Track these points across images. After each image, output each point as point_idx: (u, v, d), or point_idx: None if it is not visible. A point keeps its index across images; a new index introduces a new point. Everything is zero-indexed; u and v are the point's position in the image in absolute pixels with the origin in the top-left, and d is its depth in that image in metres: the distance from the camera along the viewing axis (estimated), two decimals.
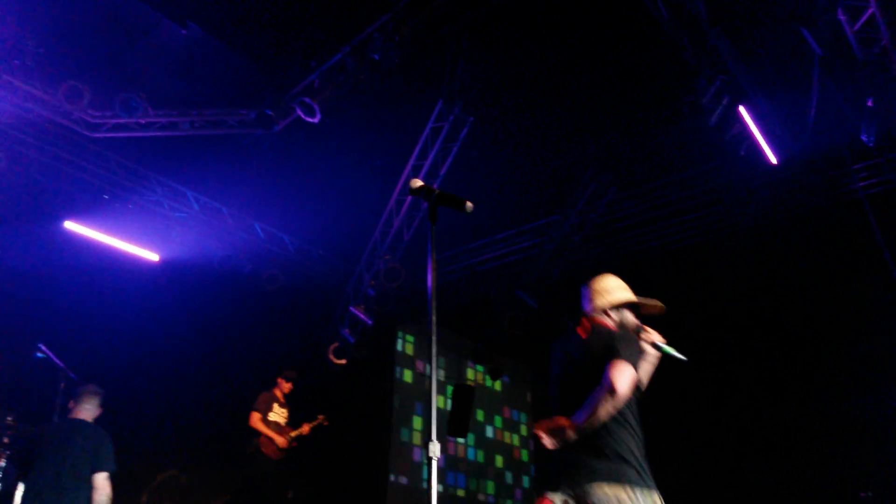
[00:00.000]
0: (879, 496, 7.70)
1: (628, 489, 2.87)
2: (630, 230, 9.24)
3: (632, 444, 3.01)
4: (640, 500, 2.87)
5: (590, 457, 2.95)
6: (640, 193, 8.84)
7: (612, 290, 3.42)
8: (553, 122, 8.07)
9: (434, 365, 2.47)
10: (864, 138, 6.70)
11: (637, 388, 3.11)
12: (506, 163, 8.71)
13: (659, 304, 3.41)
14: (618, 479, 2.89)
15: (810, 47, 6.38)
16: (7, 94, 6.92)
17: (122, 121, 7.31)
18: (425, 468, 10.23)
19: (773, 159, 7.05)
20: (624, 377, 2.89)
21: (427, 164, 8.40)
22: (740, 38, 6.69)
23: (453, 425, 9.76)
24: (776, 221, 8.42)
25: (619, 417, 3.00)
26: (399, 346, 10.75)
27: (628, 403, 3.05)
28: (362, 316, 9.47)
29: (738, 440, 9.28)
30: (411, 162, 8.51)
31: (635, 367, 2.98)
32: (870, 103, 6.49)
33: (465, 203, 2.68)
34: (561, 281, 9.36)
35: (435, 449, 2.27)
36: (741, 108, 6.55)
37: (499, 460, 11.75)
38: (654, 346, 3.29)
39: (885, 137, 6.96)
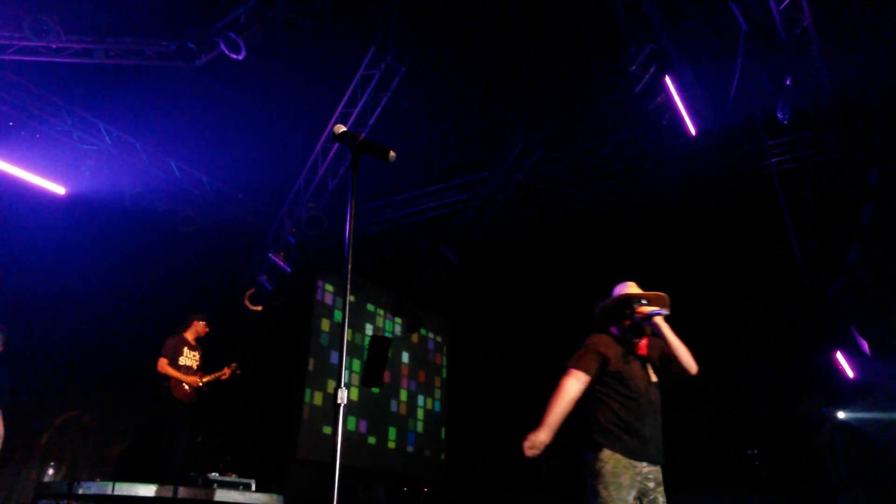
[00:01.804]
0: (763, 453, 8.25)
1: None
2: (554, 192, 9.39)
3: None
4: None
5: None
6: (566, 156, 8.97)
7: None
8: (485, 79, 8.05)
9: (346, 312, 2.47)
10: (780, 116, 6.95)
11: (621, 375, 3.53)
12: (436, 117, 8.65)
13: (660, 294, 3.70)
14: None
15: (737, 22, 6.53)
16: None
17: (30, 44, 6.83)
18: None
19: (693, 130, 7.25)
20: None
21: (356, 112, 8.24)
22: (671, 9, 6.79)
23: (368, 375, 9.82)
24: (693, 190, 8.70)
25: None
26: (319, 296, 10.67)
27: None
28: (281, 263, 9.32)
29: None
30: (339, 108, 8.33)
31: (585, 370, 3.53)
32: (788, 82, 6.73)
33: (388, 152, 2.64)
34: (484, 238, 9.47)
35: (343, 395, 2.28)
36: (667, 78, 6.67)
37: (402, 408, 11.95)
38: (646, 316, 3.56)
39: (799, 116, 7.25)
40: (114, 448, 8.11)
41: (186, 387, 7.04)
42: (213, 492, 5.85)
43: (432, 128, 8.76)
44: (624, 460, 3.35)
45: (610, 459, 3.35)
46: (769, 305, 8.79)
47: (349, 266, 2.51)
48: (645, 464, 3.38)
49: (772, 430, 7.80)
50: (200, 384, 7.17)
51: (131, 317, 8.33)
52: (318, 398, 10.10)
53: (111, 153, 8.28)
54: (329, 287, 10.88)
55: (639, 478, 3.35)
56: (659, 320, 3.54)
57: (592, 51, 7.43)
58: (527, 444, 3.34)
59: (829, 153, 7.84)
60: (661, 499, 3.38)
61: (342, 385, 2.29)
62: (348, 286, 2.45)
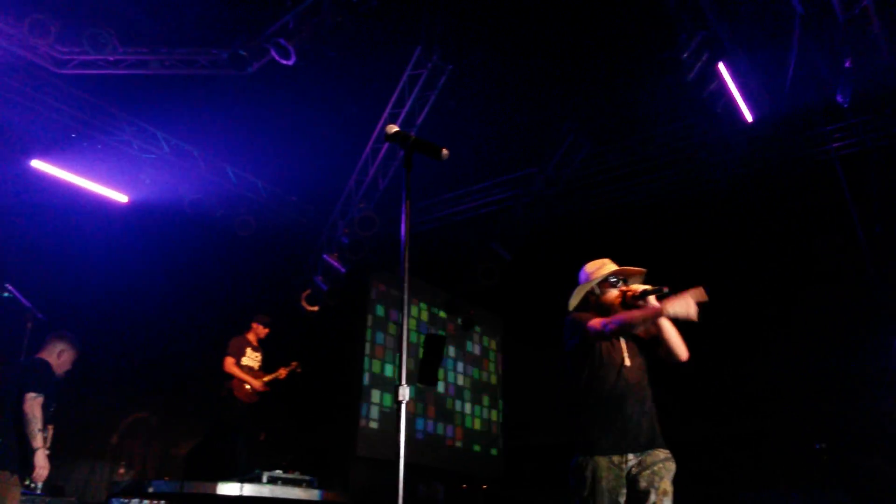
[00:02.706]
0: (831, 447, 8.01)
1: None
2: (605, 185, 9.28)
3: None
4: None
5: None
6: (617, 149, 8.86)
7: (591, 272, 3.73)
8: (532, 74, 7.99)
9: (406, 311, 2.48)
10: (839, 99, 6.74)
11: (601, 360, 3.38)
12: (483, 114, 8.63)
13: (639, 269, 3.65)
14: None
15: (791, 5, 6.35)
16: None
17: (90, 57, 7.09)
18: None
19: (749, 117, 7.08)
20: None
21: (404, 112, 8.29)
22: None
23: (424, 373, 9.88)
24: (750, 179, 8.50)
25: None
26: (374, 295, 10.77)
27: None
28: (336, 264, 9.45)
29: (699, 393, 9.51)
30: (388, 109, 8.40)
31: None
32: (847, 64, 6.51)
33: (440, 150, 2.65)
34: (534, 234, 9.42)
35: (404, 393, 2.30)
36: (720, 65, 6.53)
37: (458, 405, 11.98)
38: (639, 295, 3.38)
39: (859, 99, 7.00)
40: (180, 448, 8.35)
41: (248, 387, 7.22)
42: (277, 489, 5.98)
43: (480, 124, 8.75)
44: (603, 461, 3.16)
45: (588, 464, 3.17)
46: (832, 295, 8.51)
47: (406, 265, 2.53)
48: (631, 455, 3.16)
49: (844, 424, 7.58)
50: (262, 385, 7.35)
51: (193, 320, 8.56)
52: (374, 395, 10.21)
53: (170, 161, 8.54)
54: (382, 286, 10.97)
55: (624, 472, 3.15)
56: (653, 299, 3.26)
57: (641, 40, 7.31)
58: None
59: (893, 136, 7.55)
60: (659, 484, 3.10)
61: (403, 383, 2.31)
62: (407, 286, 2.47)
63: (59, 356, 4.73)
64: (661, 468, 3.15)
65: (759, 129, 7.92)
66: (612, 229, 9.59)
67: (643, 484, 3.10)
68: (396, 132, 2.74)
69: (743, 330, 9.33)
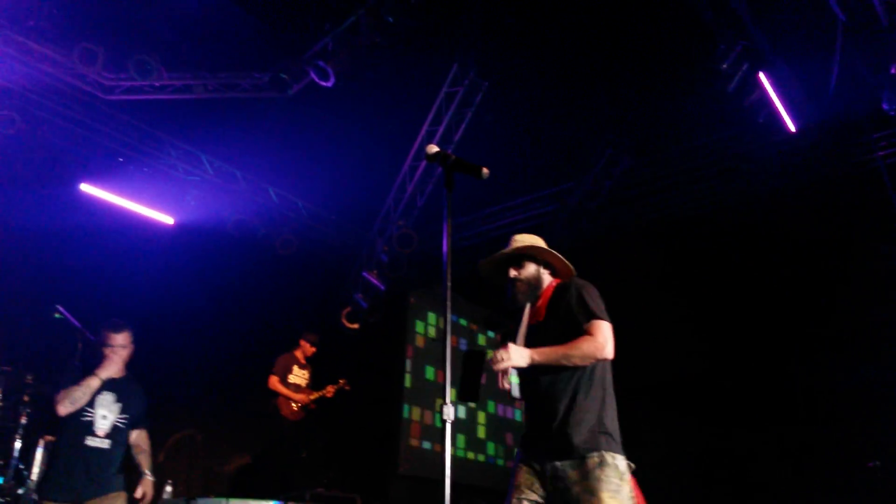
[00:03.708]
0: (886, 466, 7.73)
1: None
2: (645, 198, 9.18)
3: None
4: None
5: None
6: (657, 161, 8.77)
7: None
8: (569, 87, 7.98)
9: (448, 329, 2.48)
10: (885, 107, 6.59)
11: None
12: (521, 128, 8.65)
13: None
14: None
15: (833, 12, 6.25)
16: (22, 56, 6.91)
17: (136, 83, 7.30)
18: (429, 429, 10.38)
19: (792, 127, 6.97)
20: None
21: (441, 129, 8.36)
22: (761, 3, 6.56)
23: (464, 390, 9.84)
24: (794, 189, 8.34)
25: None
26: (412, 312, 10.80)
27: None
28: (375, 281, 9.52)
29: (749, 406, 9.31)
30: (425, 127, 8.47)
31: None
32: (893, 71, 6.37)
33: (481, 170, 2.66)
34: (575, 248, 9.35)
35: (449, 412, 2.30)
36: (761, 75, 6.45)
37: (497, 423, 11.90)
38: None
39: None
40: (225, 465, 8.44)
41: (294, 405, 7.30)
42: None
43: (518, 139, 8.76)
44: (523, 465, 2.98)
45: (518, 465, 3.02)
46: (881, 306, 8.27)
47: (449, 283, 2.54)
48: (552, 463, 2.88)
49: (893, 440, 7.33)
50: (308, 402, 7.42)
51: (237, 338, 8.69)
52: (416, 413, 10.21)
53: (213, 182, 8.72)
54: (422, 303, 11.00)
55: (539, 479, 2.90)
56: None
57: (679, 51, 7.26)
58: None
59: None
60: (582, 496, 2.77)
61: (448, 402, 2.31)
62: (449, 304, 2.48)
63: None
64: (577, 488, 2.87)
65: (803, 139, 7.78)
66: (654, 242, 9.50)
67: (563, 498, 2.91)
68: (437, 152, 2.75)
69: (789, 344, 9.13)
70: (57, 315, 5.94)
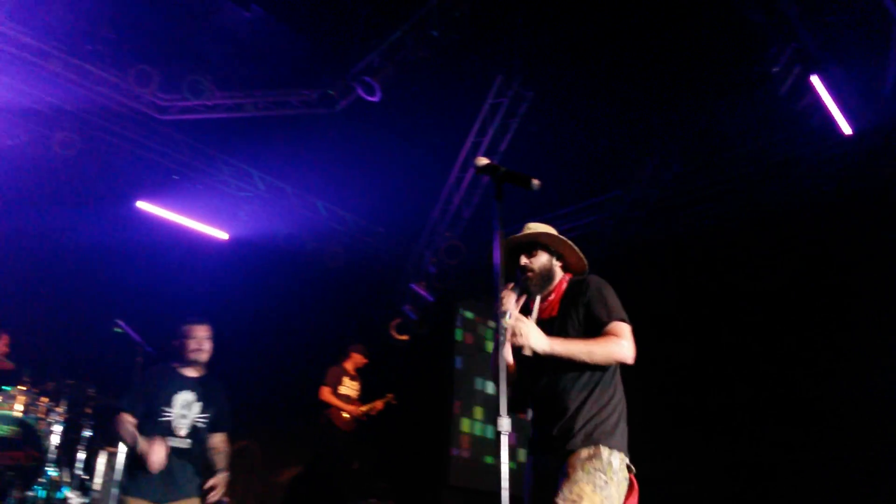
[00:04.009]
0: None
1: None
2: (694, 205, 9.02)
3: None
4: None
5: None
6: (705, 167, 8.63)
7: None
8: (615, 94, 7.92)
9: (499, 340, 2.48)
10: None
11: None
12: (566, 137, 8.62)
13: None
14: None
15: (887, 11, 6.09)
16: (81, 79, 7.18)
17: (189, 103, 7.52)
18: (481, 441, 10.35)
19: (848, 130, 6.79)
20: None
21: (486, 140, 8.38)
22: (812, 4, 6.43)
23: (514, 401, 9.79)
24: (849, 194, 8.10)
25: None
26: (460, 323, 10.81)
27: None
28: (423, 293, 9.58)
29: (799, 416, 9.03)
30: (470, 138, 8.51)
31: None
32: None
33: (531, 180, 2.66)
34: (623, 257, 9.26)
35: (504, 424, 2.30)
36: (814, 77, 6.32)
37: None
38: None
39: None
40: (279, 476, 8.57)
41: (346, 416, 7.37)
42: None
43: (563, 148, 8.73)
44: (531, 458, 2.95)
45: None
46: None
47: (500, 295, 2.56)
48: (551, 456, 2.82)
49: None
50: (359, 413, 7.49)
51: (289, 350, 8.82)
52: (465, 424, 10.20)
53: (264, 198, 8.91)
54: (469, 314, 11.00)
55: (544, 472, 2.85)
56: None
57: (728, 55, 7.16)
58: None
59: None
60: (564, 490, 2.66)
61: (503, 414, 2.31)
62: (500, 314, 2.50)
63: None
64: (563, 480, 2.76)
65: (858, 143, 7.57)
66: (703, 250, 9.33)
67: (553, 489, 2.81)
68: (486, 164, 2.75)
69: (844, 353, 8.84)
70: (117, 329, 6.12)
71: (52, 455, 5.71)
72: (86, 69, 7.16)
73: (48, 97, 7.19)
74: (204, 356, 4.39)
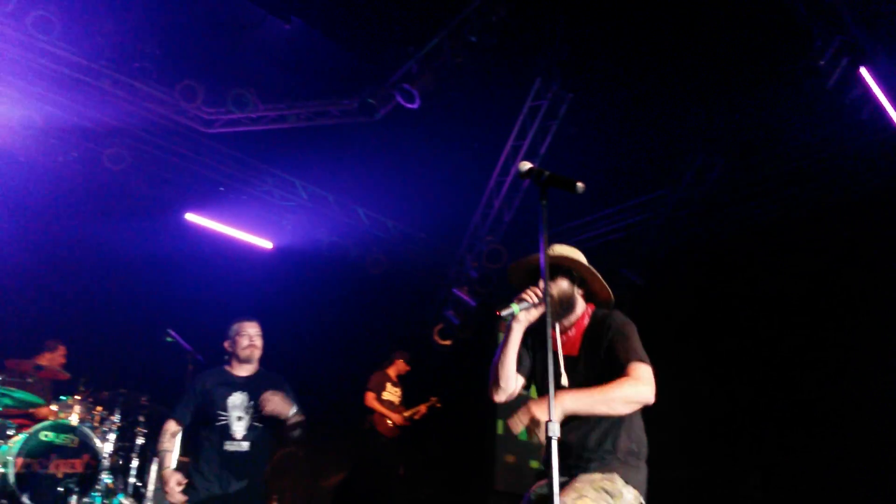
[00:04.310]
0: None
1: None
2: (742, 202, 8.82)
3: None
4: None
5: None
6: (752, 164, 8.44)
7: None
8: (656, 92, 7.80)
9: (550, 344, 2.47)
10: None
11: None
12: (607, 138, 8.53)
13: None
14: None
15: None
16: (129, 96, 7.39)
17: (234, 116, 7.67)
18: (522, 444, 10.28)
19: None
20: None
21: (526, 143, 8.36)
22: None
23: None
24: None
25: None
26: (503, 327, 10.78)
27: None
28: (466, 297, 9.58)
29: (845, 411, 8.76)
30: (510, 142, 8.49)
31: None
32: None
33: (576, 184, 2.64)
34: (668, 257, 9.12)
35: (554, 429, 2.29)
36: (862, 70, 6.15)
37: None
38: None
39: None
40: (325, 481, 8.65)
41: (389, 422, 7.41)
42: None
43: (604, 148, 8.63)
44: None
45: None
46: None
47: (548, 298, 2.55)
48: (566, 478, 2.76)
49: None
50: (402, 419, 7.53)
51: (333, 357, 8.92)
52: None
53: (307, 207, 9.03)
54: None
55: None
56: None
57: (772, 49, 7.00)
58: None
59: None
60: (567, 496, 2.63)
61: (552, 418, 2.30)
62: (549, 319, 2.48)
63: None
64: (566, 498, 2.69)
65: None
66: (752, 248, 9.13)
67: None
68: (530, 169, 2.74)
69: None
70: (168, 339, 6.27)
71: (106, 462, 5.84)
72: (134, 86, 7.36)
73: (98, 114, 7.41)
74: (256, 353, 4.36)
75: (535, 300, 2.79)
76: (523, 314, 2.83)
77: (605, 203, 9.46)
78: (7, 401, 5.96)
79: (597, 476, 2.73)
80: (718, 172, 8.44)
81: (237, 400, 4.15)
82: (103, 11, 7.01)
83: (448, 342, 9.77)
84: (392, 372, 7.71)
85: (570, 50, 7.63)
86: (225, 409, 4.08)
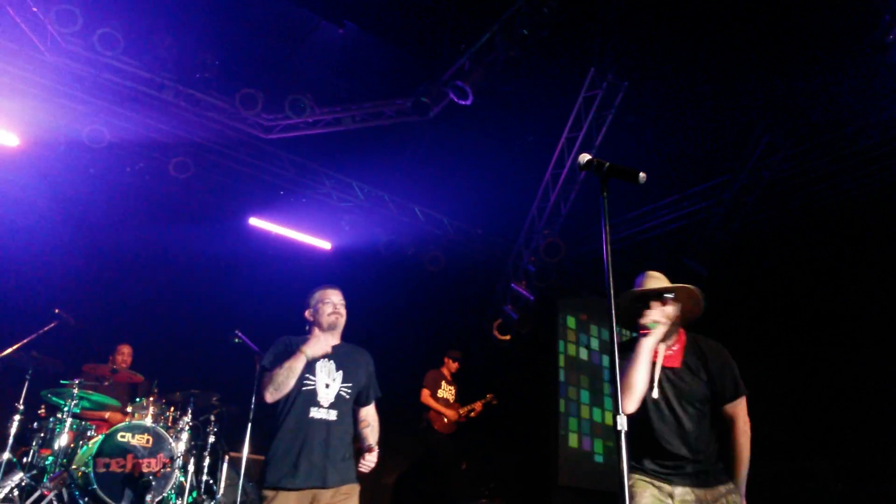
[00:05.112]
0: None
1: None
2: (808, 187, 8.53)
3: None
4: None
5: None
6: (819, 146, 8.15)
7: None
8: (715, 75, 7.59)
9: (613, 335, 2.44)
10: None
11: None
12: (665, 125, 8.36)
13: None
14: None
15: None
16: (192, 106, 7.61)
17: (292, 121, 7.81)
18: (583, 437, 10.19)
19: None
20: None
21: (581, 134, 8.26)
22: None
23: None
24: None
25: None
26: (562, 320, 10.71)
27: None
28: (524, 292, 9.54)
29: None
30: (565, 134, 8.41)
31: None
32: None
33: (637, 174, 2.60)
34: (732, 245, 8.88)
35: (622, 422, 2.26)
36: None
37: None
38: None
39: None
40: (387, 477, 8.74)
41: (445, 419, 7.46)
42: None
43: (662, 136, 8.47)
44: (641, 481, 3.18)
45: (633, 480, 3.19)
46: None
47: (612, 291, 2.50)
48: (680, 489, 3.12)
49: None
50: (459, 416, 7.57)
51: (393, 354, 8.99)
52: (572, 423, 10.08)
53: (364, 207, 9.15)
54: (570, 317, 10.84)
55: (669, 501, 3.10)
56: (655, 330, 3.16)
57: (836, 26, 6.73)
58: None
59: None
60: None
61: (621, 412, 2.28)
62: (613, 312, 2.44)
63: None
64: None
65: None
66: (821, 234, 8.82)
67: None
68: (589, 160, 2.72)
69: None
70: (236, 340, 6.42)
71: (180, 461, 6.04)
72: (195, 97, 7.57)
73: (162, 125, 7.66)
74: (341, 321, 4.01)
75: (666, 320, 3.18)
76: (659, 330, 3.18)
77: (665, 192, 9.28)
78: (86, 403, 6.24)
79: (722, 489, 3.14)
80: (783, 155, 8.17)
81: (325, 366, 3.83)
82: (164, 26, 7.24)
83: (507, 337, 9.75)
84: (446, 370, 7.77)
85: (623, 36, 7.49)
86: (313, 374, 3.74)
